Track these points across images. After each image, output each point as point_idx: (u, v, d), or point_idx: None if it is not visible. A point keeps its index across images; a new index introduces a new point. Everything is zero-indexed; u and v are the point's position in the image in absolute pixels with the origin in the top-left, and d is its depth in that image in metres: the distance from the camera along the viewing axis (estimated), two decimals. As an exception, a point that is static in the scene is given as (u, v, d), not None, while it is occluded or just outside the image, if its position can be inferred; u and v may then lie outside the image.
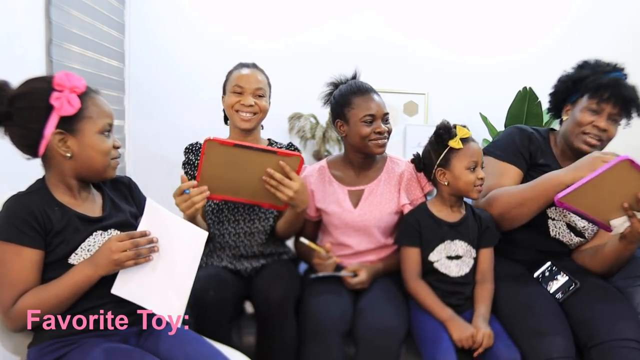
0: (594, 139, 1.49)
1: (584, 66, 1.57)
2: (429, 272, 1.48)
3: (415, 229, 1.49)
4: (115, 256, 1.07)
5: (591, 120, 1.48)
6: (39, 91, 1.10)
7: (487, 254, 1.51)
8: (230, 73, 1.66)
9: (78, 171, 1.16)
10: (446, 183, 1.47)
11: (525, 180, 1.55)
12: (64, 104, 1.09)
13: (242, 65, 1.66)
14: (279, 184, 1.40)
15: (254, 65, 1.67)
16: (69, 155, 1.12)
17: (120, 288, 1.13)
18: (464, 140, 1.45)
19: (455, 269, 1.47)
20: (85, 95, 1.13)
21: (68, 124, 1.11)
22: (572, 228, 1.56)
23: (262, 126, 1.68)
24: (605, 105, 1.47)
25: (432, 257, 1.47)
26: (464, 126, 1.48)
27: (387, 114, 1.60)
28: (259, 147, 1.40)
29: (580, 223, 1.54)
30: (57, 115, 1.09)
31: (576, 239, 1.57)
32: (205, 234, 1.10)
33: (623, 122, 1.52)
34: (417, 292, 1.46)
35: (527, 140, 1.59)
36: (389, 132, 1.60)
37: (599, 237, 1.58)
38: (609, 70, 1.51)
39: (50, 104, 1.09)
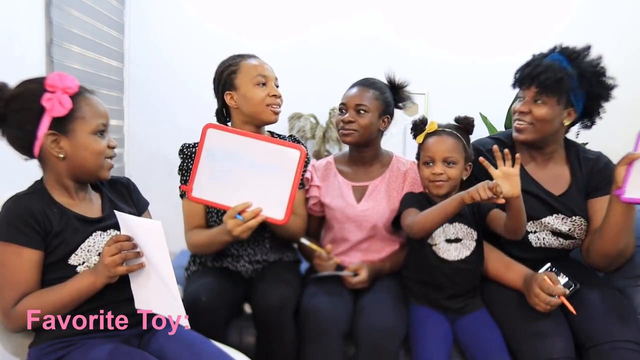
0: (520, 123, 1.52)
1: (528, 64, 1.56)
2: (427, 257, 1.46)
3: (419, 199, 1.50)
4: (105, 261, 1.08)
5: (519, 108, 1.52)
6: (31, 92, 1.10)
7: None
8: (236, 65, 1.53)
9: (72, 172, 1.15)
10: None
11: None
12: (55, 105, 1.08)
13: (248, 56, 1.55)
14: None
15: (255, 55, 1.58)
16: (61, 156, 1.12)
17: (139, 303, 1.15)
18: (430, 135, 1.48)
19: (455, 253, 1.46)
20: (78, 96, 1.12)
21: (60, 125, 1.11)
22: (558, 234, 1.53)
23: None
24: (527, 90, 1.50)
25: (431, 240, 1.46)
26: (457, 121, 1.53)
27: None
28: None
29: (564, 227, 1.51)
30: (49, 116, 1.09)
31: (567, 242, 1.54)
32: (159, 223, 1.04)
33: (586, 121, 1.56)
34: (418, 218, 1.39)
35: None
36: (351, 122, 1.56)
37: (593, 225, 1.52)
38: (545, 56, 1.54)
39: (42, 105, 1.08)
